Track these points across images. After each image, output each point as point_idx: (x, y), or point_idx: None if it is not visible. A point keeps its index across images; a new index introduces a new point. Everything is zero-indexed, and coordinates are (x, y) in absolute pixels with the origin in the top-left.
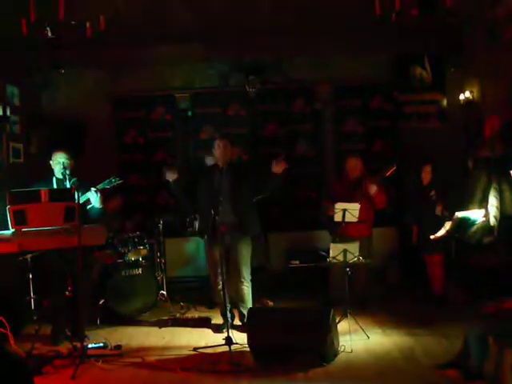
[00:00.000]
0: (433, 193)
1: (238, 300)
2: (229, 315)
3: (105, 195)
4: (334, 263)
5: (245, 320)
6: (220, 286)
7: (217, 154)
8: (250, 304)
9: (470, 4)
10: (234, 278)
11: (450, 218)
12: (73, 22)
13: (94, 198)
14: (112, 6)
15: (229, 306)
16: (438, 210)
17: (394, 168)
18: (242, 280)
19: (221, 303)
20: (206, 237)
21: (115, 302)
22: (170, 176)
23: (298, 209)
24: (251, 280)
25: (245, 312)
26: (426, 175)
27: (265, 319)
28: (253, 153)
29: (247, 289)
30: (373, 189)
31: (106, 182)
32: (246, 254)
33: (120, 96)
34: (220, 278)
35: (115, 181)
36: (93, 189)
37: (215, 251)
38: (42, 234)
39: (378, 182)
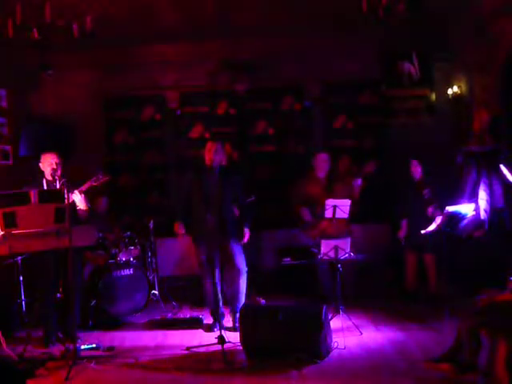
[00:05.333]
0: (426, 191)
1: (231, 297)
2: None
3: (91, 195)
4: (325, 260)
5: (236, 318)
6: (210, 285)
7: (206, 156)
8: (242, 300)
9: None
10: (230, 272)
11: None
12: (60, 24)
13: (78, 200)
14: (99, 7)
15: (220, 305)
16: (429, 211)
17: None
18: (239, 271)
19: (211, 302)
20: (193, 237)
21: (107, 302)
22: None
23: (289, 206)
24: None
25: (237, 310)
26: (416, 169)
27: (257, 317)
28: (242, 151)
29: (243, 282)
30: (357, 181)
31: (92, 179)
32: (237, 247)
33: (109, 96)
34: (210, 277)
35: (102, 177)
36: (76, 191)
37: (203, 251)
38: (32, 235)
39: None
